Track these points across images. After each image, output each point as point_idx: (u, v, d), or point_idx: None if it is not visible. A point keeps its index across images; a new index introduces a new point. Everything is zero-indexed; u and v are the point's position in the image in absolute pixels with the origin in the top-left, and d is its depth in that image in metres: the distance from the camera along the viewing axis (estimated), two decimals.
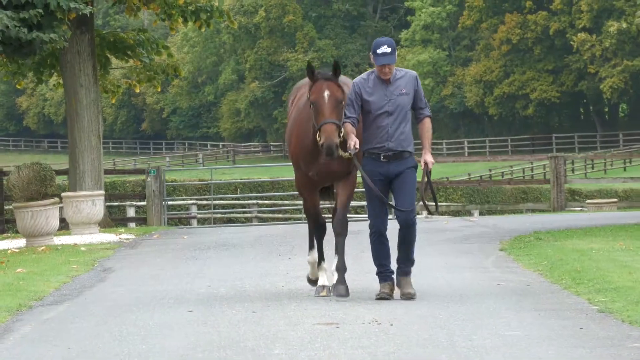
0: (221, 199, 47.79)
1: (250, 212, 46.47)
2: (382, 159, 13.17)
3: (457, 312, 12.86)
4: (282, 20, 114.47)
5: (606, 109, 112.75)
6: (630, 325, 11.86)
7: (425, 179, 13.37)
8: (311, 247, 14.53)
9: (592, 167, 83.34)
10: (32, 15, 28.82)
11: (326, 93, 13.21)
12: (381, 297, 13.29)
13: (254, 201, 48.08)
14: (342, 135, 13.12)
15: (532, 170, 78.08)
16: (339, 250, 13.81)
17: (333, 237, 14.11)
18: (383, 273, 13.44)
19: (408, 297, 13.25)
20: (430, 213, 13.73)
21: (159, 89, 47.08)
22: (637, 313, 12.33)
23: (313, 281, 14.39)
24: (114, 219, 36.84)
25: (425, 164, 13.18)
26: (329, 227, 14.26)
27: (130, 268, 19.37)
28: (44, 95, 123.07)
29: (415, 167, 13.39)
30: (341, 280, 13.66)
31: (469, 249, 20.45)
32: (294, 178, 14.69)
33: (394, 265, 13.61)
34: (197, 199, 46.55)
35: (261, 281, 16.62)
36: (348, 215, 14.23)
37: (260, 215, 45.85)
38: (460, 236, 21.30)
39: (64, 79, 34.76)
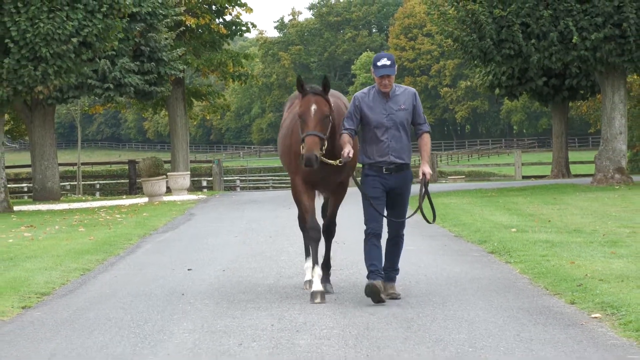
0: (252, 176, 47.65)
1: (268, 183, 46.33)
2: (384, 172, 8.06)
3: None
4: (286, 80, 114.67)
5: (459, 129, 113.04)
6: (472, 244, 11.89)
7: (423, 189, 8.56)
8: (307, 254, 9.00)
9: (451, 159, 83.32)
10: (151, 77, 29.24)
11: (313, 107, 7.82)
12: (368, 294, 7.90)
13: (270, 177, 48.00)
14: (324, 147, 7.86)
15: (420, 161, 77.92)
16: (325, 253, 8.84)
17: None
18: (373, 272, 7.88)
19: (393, 297, 8.07)
20: (428, 222, 8.83)
21: (219, 117, 46.91)
22: (476, 237, 12.36)
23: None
24: (195, 187, 36.79)
25: (423, 174, 8.46)
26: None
27: (204, 214, 19.35)
28: (157, 121, 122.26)
29: (412, 179, 8.47)
30: (326, 278, 8.61)
31: None
32: None
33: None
34: (239, 176, 46.36)
35: (274, 220, 16.62)
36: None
37: (273, 185, 45.70)
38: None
39: (169, 112, 34.83)
